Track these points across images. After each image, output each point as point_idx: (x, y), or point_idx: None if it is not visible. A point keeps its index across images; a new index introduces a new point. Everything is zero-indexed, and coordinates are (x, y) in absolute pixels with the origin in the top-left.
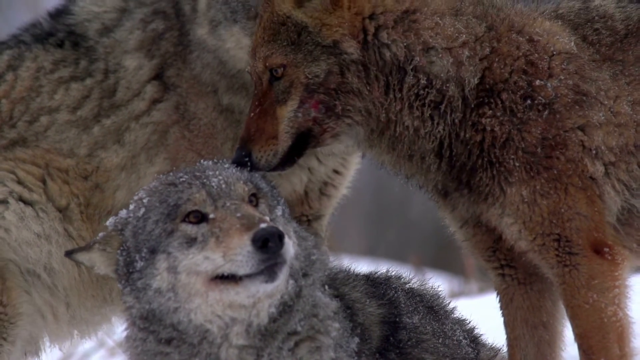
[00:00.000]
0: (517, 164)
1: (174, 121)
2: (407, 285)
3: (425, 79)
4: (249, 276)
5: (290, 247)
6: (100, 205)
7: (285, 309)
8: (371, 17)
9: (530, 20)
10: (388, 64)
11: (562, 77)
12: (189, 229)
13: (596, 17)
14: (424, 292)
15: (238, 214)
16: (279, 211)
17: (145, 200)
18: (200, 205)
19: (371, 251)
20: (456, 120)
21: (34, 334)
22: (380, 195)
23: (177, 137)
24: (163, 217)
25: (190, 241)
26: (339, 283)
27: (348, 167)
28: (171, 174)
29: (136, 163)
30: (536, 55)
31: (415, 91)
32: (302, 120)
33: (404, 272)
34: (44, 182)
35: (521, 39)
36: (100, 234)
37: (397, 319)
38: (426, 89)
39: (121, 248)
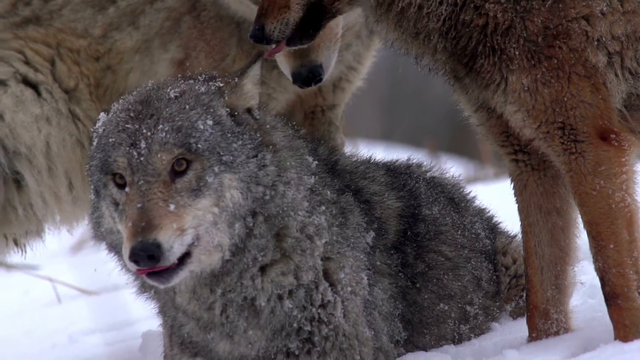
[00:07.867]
0: (517, 52)
1: (187, 9)
2: (429, 174)
3: None
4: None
5: (176, 250)
6: (112, 87)
7: (237, 250)
8: None
9: None
10: None
11: None
12: (115, 192)
13: None
14: (445, 181)
15: (139, 204)
16: (215, 167)
17: (100, 130)
18: (122, 171)
19: (386, 136)
20: (458, 0)
21: (38, 216)
22: (395, 81)
23: (189, 26)
24: (99, 167)
25: (115, 204)
26: (358, 176)
27: (362, 62)
28: (129, 97)
29: (150, 47)
30: None
31: None
32: None
33: (422, 158)
34: (52, 62)
35: None
36: None
37: (416, 211)
38: None
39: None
